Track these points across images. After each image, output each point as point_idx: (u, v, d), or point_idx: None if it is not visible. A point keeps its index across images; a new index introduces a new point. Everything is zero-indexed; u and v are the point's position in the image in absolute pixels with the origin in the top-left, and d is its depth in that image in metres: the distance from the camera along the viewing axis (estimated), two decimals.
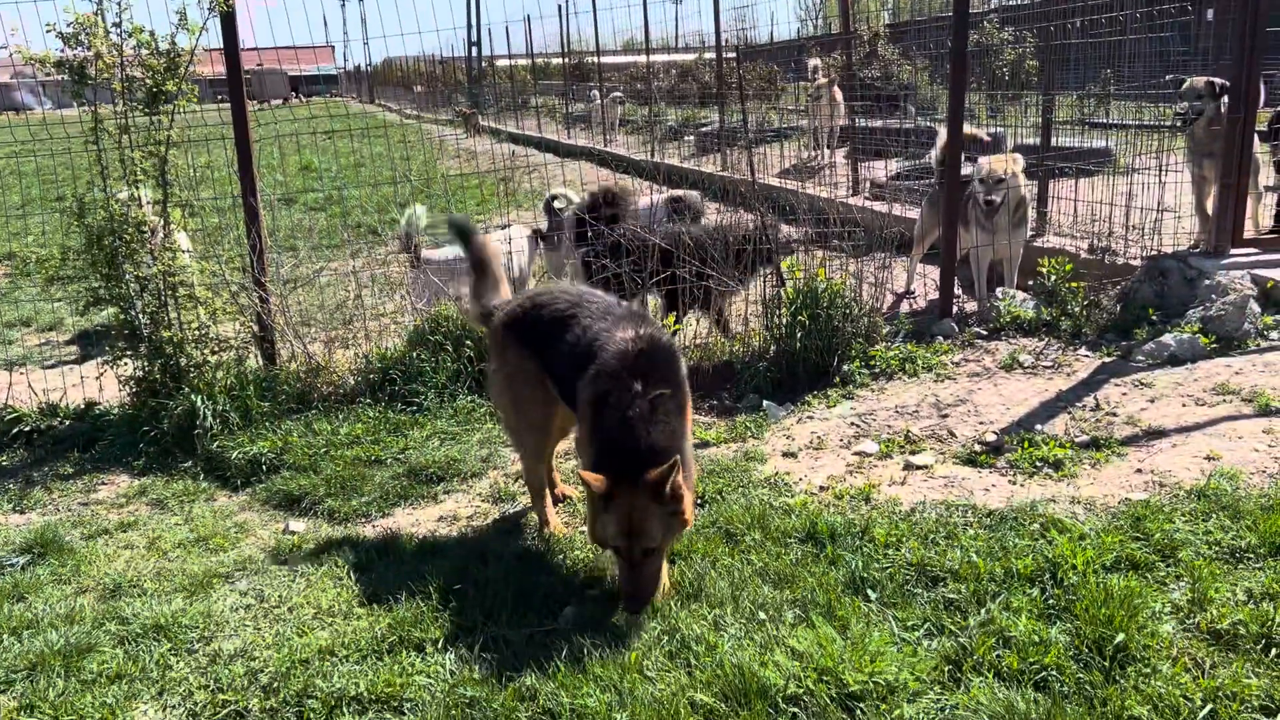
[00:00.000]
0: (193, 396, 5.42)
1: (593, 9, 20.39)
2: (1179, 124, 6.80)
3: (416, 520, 4.46)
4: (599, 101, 21.41)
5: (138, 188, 5.57)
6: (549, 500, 4.22)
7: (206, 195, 7.89)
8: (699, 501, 4.26)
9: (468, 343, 5.80)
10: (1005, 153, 7.41)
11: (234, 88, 5.97)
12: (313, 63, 59.70)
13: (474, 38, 32.53)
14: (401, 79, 46.80)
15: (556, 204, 7.92)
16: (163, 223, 5.65)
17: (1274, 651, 2.93)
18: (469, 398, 5.63)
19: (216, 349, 5.80)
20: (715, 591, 3.43)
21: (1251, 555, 3.45)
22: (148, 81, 5.50)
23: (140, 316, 5.63)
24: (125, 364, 5.80)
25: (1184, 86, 6.55)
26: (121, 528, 4.60)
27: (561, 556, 3.86)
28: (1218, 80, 6.40)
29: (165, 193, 5.67)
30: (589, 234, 6.75)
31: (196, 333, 5.74)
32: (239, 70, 5.96)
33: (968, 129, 6.76)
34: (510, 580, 3.65)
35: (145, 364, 5.69)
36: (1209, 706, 2.71)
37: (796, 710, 2.78)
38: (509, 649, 3.23)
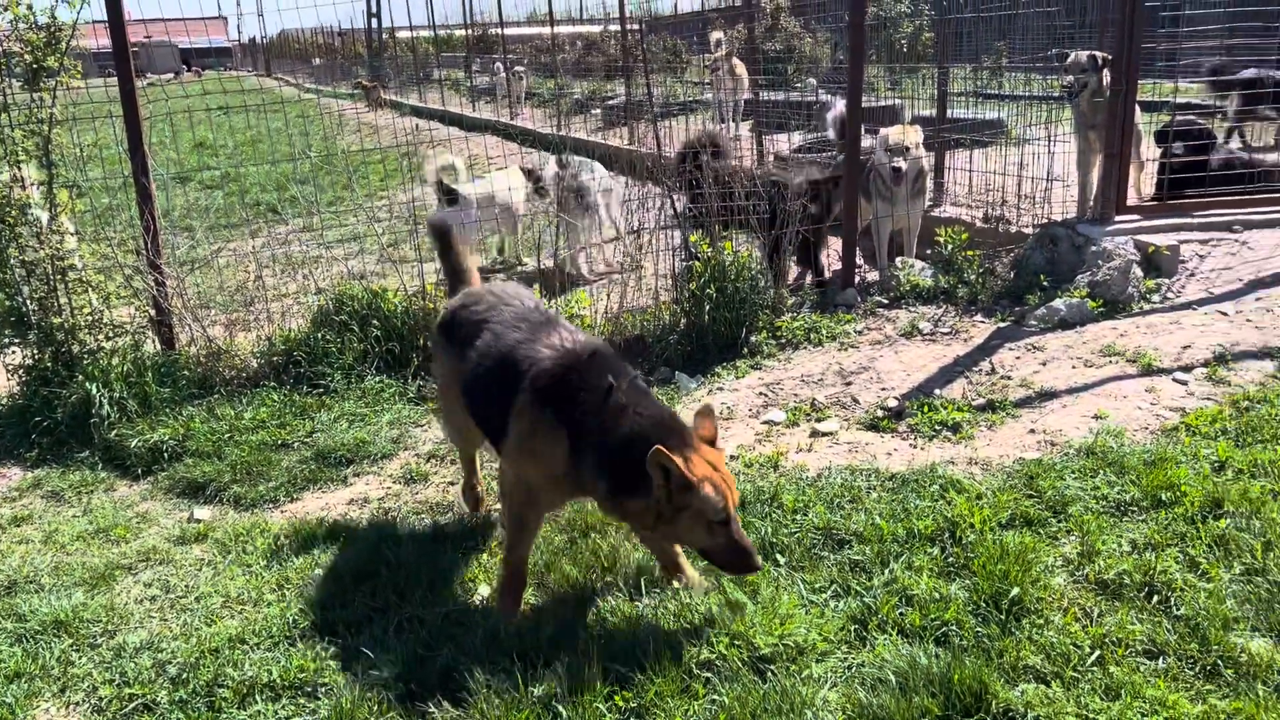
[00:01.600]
0: (87, 384, 5.23)
1: None
2: (1065, 96, 7.05)
3: (326, 504, 4.40)
4: (503, 74, 21.14)
5: (20, 168, 5.32)
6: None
7: (96, 175, 7.57)
8: None
9: (374, 322, 5.72)
10: (903, 124, 7.58)
11: (120, 62, 5.73)
12: (204, 35, 57.46)
13: (373, 9, 31.70)
14: (299, 52, 45.41)
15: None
16: (48, 205, 5.42)
17: (1155, 598, 3.11)
18: (377, 378, 5.56)
19: (111, 334, 5.59)
20: (630, 564, 3.48)
21: (1135, 508, 3.64)
22: (26, 57, 5.25)
23: (28, 303, 5.40)
24: (13, 352, 5.57)
25: (1068, 60, 6.79)
26: (15, 522, 4.44)
27: (477, 536, 3.86)
28: (1100, 54, 6.64)
29: (50, 174, 5.43)
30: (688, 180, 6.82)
31: (89, 318, 5.53)
32: (125, 44, 5.72)
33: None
34: (424, 560, 3.64)
35: (35, 352, 5.47)
36: (1097, 653, 2.86)
37: (710, 675, 2.85)
38: (424, 629, 3.23)
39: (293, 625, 3.33)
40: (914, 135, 6.80)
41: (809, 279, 6.98)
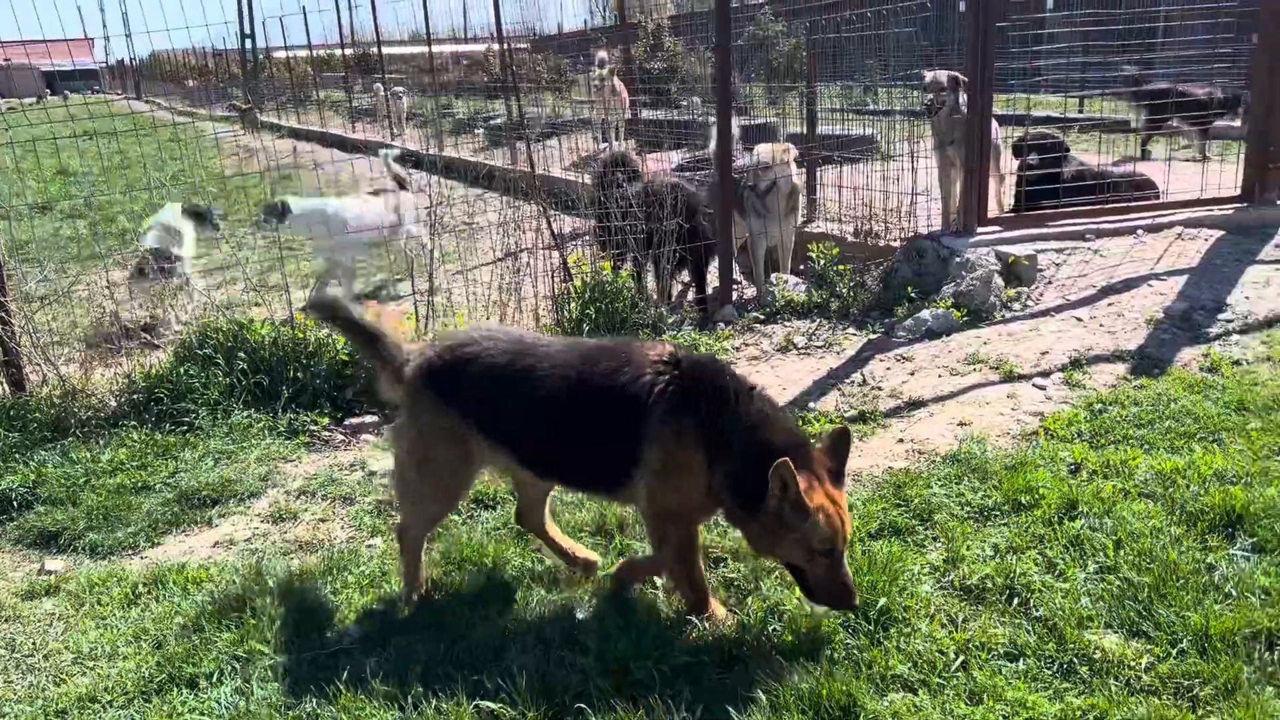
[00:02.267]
0: None
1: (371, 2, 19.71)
2: (925, 114, 7.31)
3: (190, 548, 4.21)
4: (383, 94, 20.82)
5: None
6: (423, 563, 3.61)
7: None
8: (491, 505, 4.25)
9: (241, 354, 5.52)
10: (779, 141, 7.74)
11: None
12: (69, 57, 55.04)
13: (247, 29, 30.87)
14: (171, 74, 43.92)
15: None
16: None
17: (1016, 600, 3.21)
18: (245, 413, 5.36)
19: None
20: (505, 591, 3.42)
21: (998, 512, 3.76)
22: None
23: None
24: None
25: (927, 80, 7.05)
26: None
27: (346, 572, 3.75)
28: (957, 74, 6.90)
29: None
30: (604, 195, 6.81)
31: None
32: None
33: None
34: (291, 602, 3.52)
35: None
36: (961, 659, 2.93)
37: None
38: (289, 675, 3.11)
39: (148, 680, 3.17)
40: (787, 153, 6.94)
41: (690, 296, 7.04)
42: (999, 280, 6.14)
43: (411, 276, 6.77)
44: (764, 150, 6.99)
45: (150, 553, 4.21)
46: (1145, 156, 10.92)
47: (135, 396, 5.48)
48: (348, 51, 29.17)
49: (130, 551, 4.24)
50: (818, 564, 2.95)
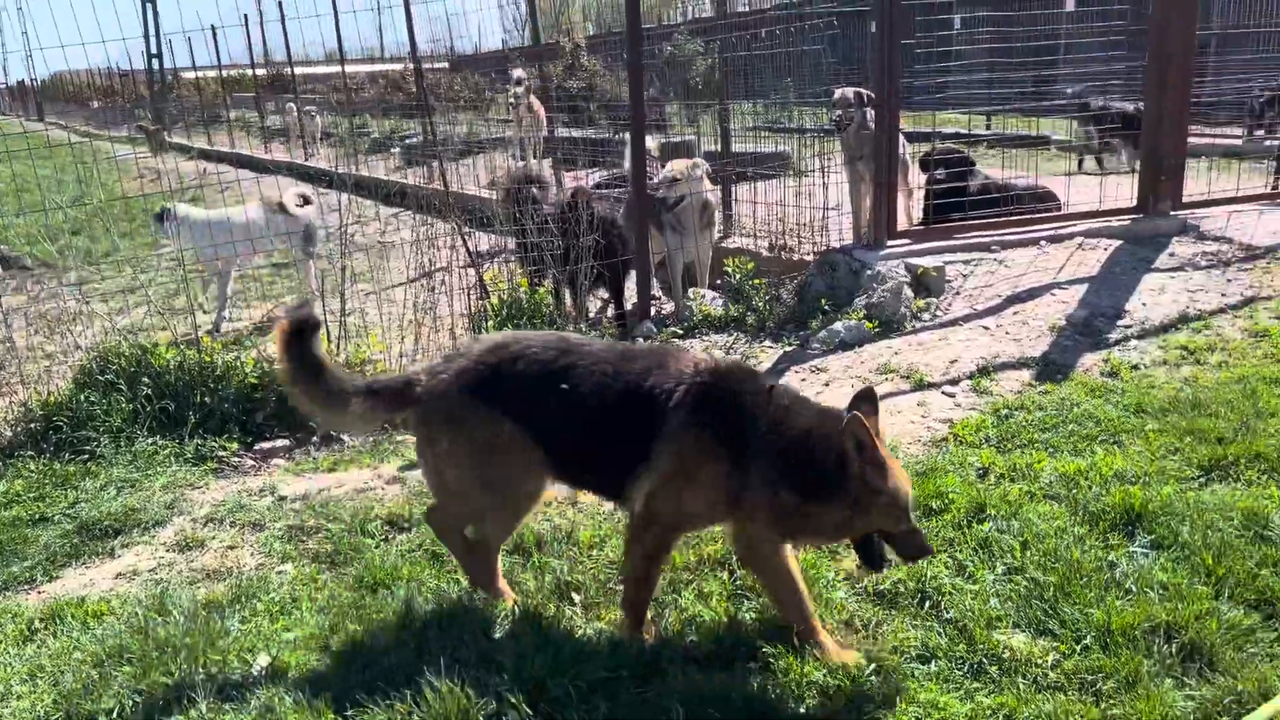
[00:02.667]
0: None
1: (280, 18, 19.33)
2: (834, 130, 7.46)
3: (90, 580, 4.05)
4: (295, 114, 20.48)
5: None
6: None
7: None
8: (406, 528, 4.18)
9: (144, 379, 5.35)
10: (693, 157, 7.82)
11: None
12: None
13: (153, 49, 30.08)
14: (75, 94, 42.54)
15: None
16: None
17: (928, 604, 3.26)
18: (150, 440, 5.18)
19: None
20: (420, 613, 3.36)
21: None
22: None
23: None
24: None
25: (835, 97, 7.20)
26: None
27: (255, 600, 3.64)
28: (865, 90, 7.07)
29: None
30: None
31: None
32: None
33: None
34: (198, 633, 3.40)
35: None
36: (874, 665, 2.97)
37: None
38: (194, 708, 3.00)
39: (44, 719, 3.03)
40: (697, 168, 7.01)
41: (609, 312, 7.05)
42: (909, 292, 6.28)
43: (323, 297, 6.64)
44: (673, 166, 7.06)
45: (48, 587, 4.04)
46: (1086, 167, 11.31)
47: (32, 425, 5.28)
48: (259, 71, 28.64)
49: (26, 586, 4.06)
50: (904, 521, 2.90)
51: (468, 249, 6.95)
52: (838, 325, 6.05)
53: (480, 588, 3.47)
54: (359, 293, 8.04)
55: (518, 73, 14.61)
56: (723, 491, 2.98)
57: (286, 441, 5.43)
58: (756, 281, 6.67)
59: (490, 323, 6.10)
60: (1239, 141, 12.49)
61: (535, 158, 14.03)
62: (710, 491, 3.00)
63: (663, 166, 7.86)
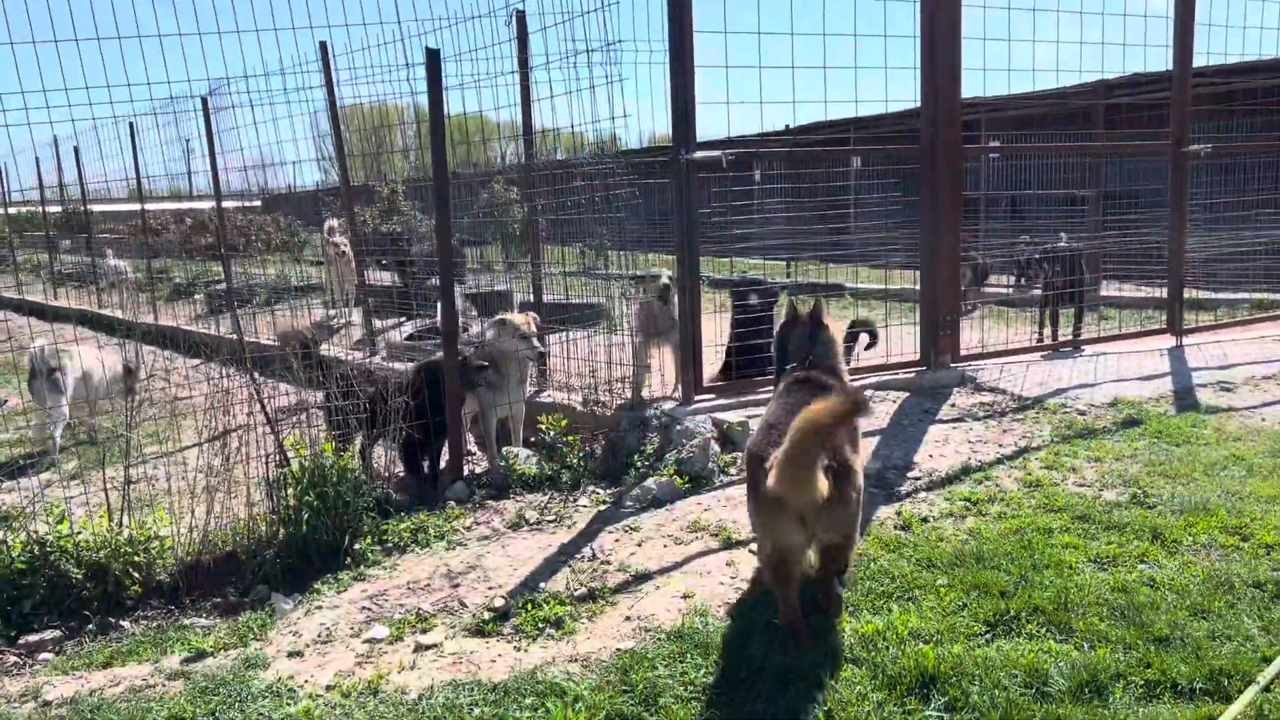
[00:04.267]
0: None
1: (75, 155, 18.43)
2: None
3: None
4: (111, 261, 19.43)
5: None
6: None
7: None
8: None
9: None
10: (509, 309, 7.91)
11: None
12: None
13: None
14: None
15: None
16: None
17: None
18: None
19: None
20: None
21: (718, 689, 3.83)
22: None
23: None
24: None
25: (647, 275, 7.55)
26: None
27: None
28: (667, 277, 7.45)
29: None
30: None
31: None
32: None
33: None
34: None
35: None
36: None
37: None
38: None
39: None
40: (525, 324, 7.08)
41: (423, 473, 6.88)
42: (715, 446, 6.46)
43: (103, 461, 6.19)
44: (515, 319, 7.10)
45: None
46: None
47: None
48: (51, 209, 27.20)
49: None
50: None
51: (265, 410, 6.67)
52: (650, 482, 6.13)
53: None
54: (149, 456, 7.58)
55: (331, 222, 14.49)
56: None
57: (58, 632, 4.95)
58: (570, 438, 6.71)
59: (290, 490, 5.83)
60: (1009, 292, 13.74)
61: (346, 305, 13.83)
62: None
63: (479, 318, 7.92)
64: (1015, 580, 4.53)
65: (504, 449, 6.94)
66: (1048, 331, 9.94)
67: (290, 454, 6.09)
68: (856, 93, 11.05)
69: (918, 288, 8.07)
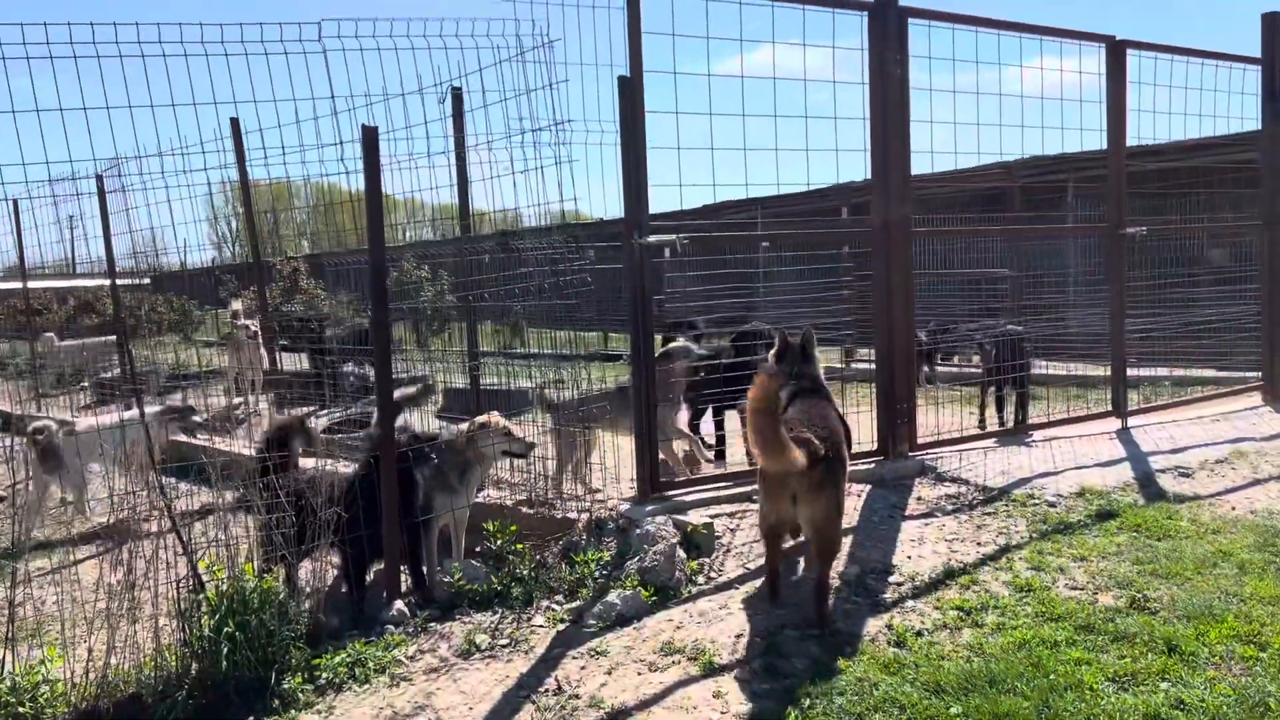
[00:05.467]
0: None
1: None
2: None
3: None
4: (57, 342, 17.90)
5: None
6: None
7: None
8: None
9: None
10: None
11: None
12: None
13: None
14: None
15: None
16: None
17: None
18: None
19: None
20: None
21: None
22: None
23: None
24: None
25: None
26: None
27: None
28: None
29: None
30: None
31: None
32: None
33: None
34: None
35: None
36: None
37: None
38: None
39: None
40: (500, 427, 6.49)
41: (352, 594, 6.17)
42: (681, 553, 5.97)
43: None
44: (486, 423, 6.47)
45: None
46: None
47: None
48: None
49: None
50: None
51: (175, 525, 5.90)
52: (613, 596, 5.58)
53: None
54: (36, 573, 6.71)
55: (235, 305, 13.68)
56: None
57: None
58: (519, 546, 6.12)
59: (206, 620, 5.10)
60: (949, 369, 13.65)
61: (253, 393, 12.96)
62: None
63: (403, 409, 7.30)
64: (1037, 707, 4.13)
65: (444, 562, 6.31)
66: (991, 413, 9.80)
67: (206, 576, 5.37)
68: (809, 175, 10.90)
69: (871, 367, 7.79)
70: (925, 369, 12.44)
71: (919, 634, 5.01)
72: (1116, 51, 8.80)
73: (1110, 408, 9.10)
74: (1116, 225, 8.93)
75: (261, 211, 13.15)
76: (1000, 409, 9.32)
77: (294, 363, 14.33)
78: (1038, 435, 8.59)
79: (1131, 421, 9.00)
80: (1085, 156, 12.20)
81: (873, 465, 7.48)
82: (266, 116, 6.08)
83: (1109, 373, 9.40)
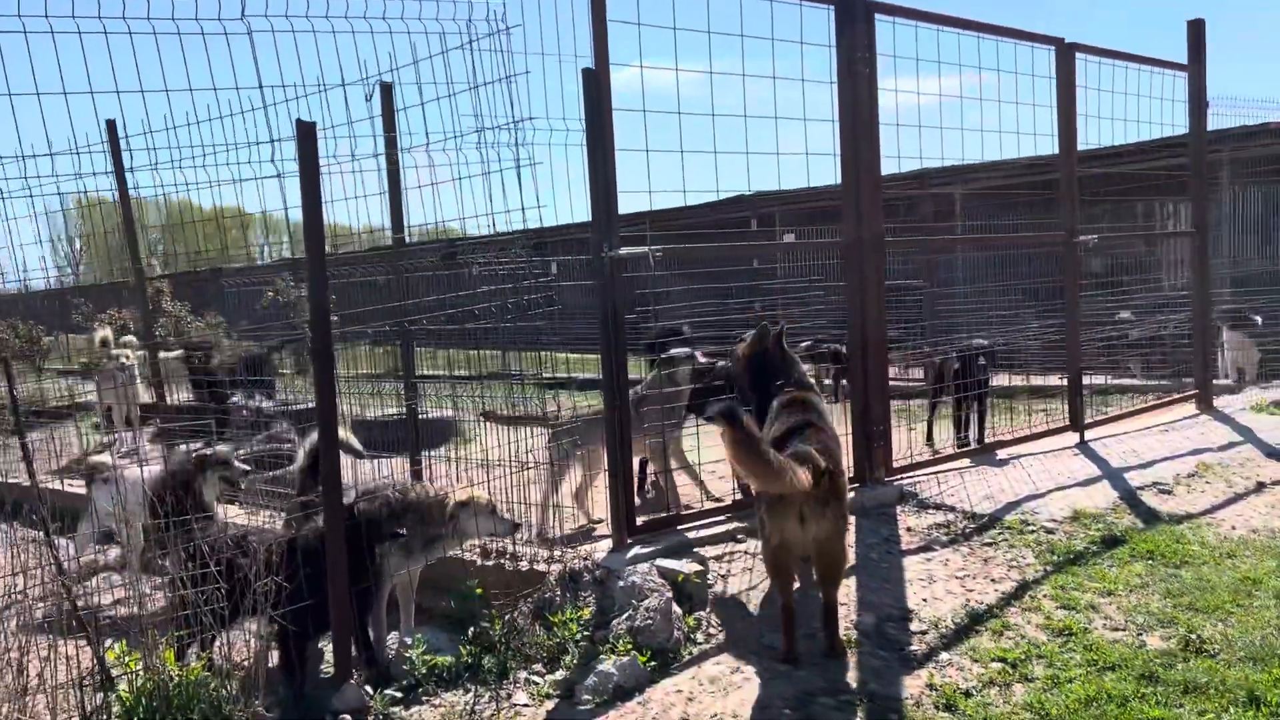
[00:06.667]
0: None
1: None
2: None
3: None
4: None
5: None
6: None
7: None
8: None
9: None
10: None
11: None
12: None
13: None
14: None
15: None
16: None
17: None
18: None
19: None
20: None
21: None
22: None
23: None
24: None
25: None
26: None
27: None
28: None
29: None
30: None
31: None
32: None
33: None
34: None
35: None
36: None
37: None
38: None
39: None
40: (487, 504, 5.60)
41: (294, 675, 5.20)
42: (677, 609, 5.26)
43: None
44: (469, 502, 5.55)
45: None
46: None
47: None
48: None
49: None
50: None
51: (69, 594, 4.85)
52: (606, 665, 4.81)
53: None
54: None
55: (102, 333, 12.27)
56: None
57: None
58: (490, 609, 5.29)
59: None
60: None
61: (132, 428, 11.61)
62: None
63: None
64: None
65: (403, 630, 5.43)
66: (939, 431, 9.44)
67: (115, 669, 4.38)
68: (779, 178, 10.37)
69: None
70: (845, 382, 12.11)
71: (967, 695, 4.44)
72: (1065, 55, 8.58)
73: (1067, 421, 8.84)
74: (1070, 233, 8.70)
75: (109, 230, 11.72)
76: (964, 427, 8.93)
77: (171, 395, 12.95)
78: (1002, 453, 8.24)
79: (1088, 435, 8.77)
80: (1036, 161, 12.03)
81: (851, 494, 6.92)
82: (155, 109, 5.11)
83: (1063, 382, 9.17)
